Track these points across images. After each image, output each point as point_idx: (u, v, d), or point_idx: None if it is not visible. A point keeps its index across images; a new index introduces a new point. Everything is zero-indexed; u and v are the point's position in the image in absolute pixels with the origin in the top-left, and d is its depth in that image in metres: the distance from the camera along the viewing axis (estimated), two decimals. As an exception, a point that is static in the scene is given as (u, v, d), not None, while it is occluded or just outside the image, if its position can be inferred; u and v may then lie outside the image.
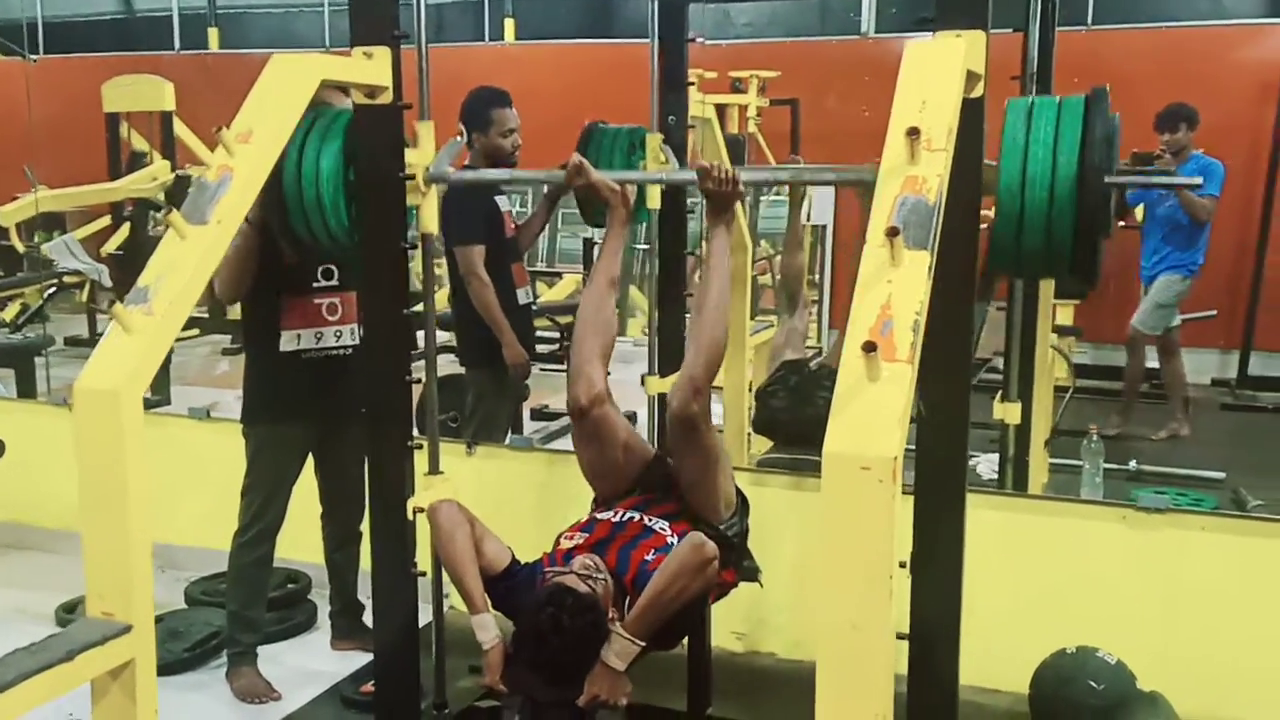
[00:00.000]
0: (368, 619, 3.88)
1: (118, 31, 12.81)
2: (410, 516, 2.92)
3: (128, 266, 8.05)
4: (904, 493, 1.77)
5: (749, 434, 4.96)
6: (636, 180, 3.23)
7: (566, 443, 6.25)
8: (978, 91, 2.30)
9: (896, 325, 1.81)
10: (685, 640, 3.08)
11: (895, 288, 1.85)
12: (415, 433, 2.98)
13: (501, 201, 4.63)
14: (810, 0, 10.21)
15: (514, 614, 2.60)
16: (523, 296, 4.69)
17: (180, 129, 8.44)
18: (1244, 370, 8.04)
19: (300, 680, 3.69)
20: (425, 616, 3.09)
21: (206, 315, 8.49)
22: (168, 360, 5.21)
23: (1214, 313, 7.87)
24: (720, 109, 7.26)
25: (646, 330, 11.10)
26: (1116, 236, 6.51)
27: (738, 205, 2.84)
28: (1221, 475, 5.68)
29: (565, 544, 2.70)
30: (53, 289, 8.04)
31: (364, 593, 3.86)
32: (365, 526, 3.75)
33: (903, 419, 1.73)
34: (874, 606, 1.72)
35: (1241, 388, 7.95)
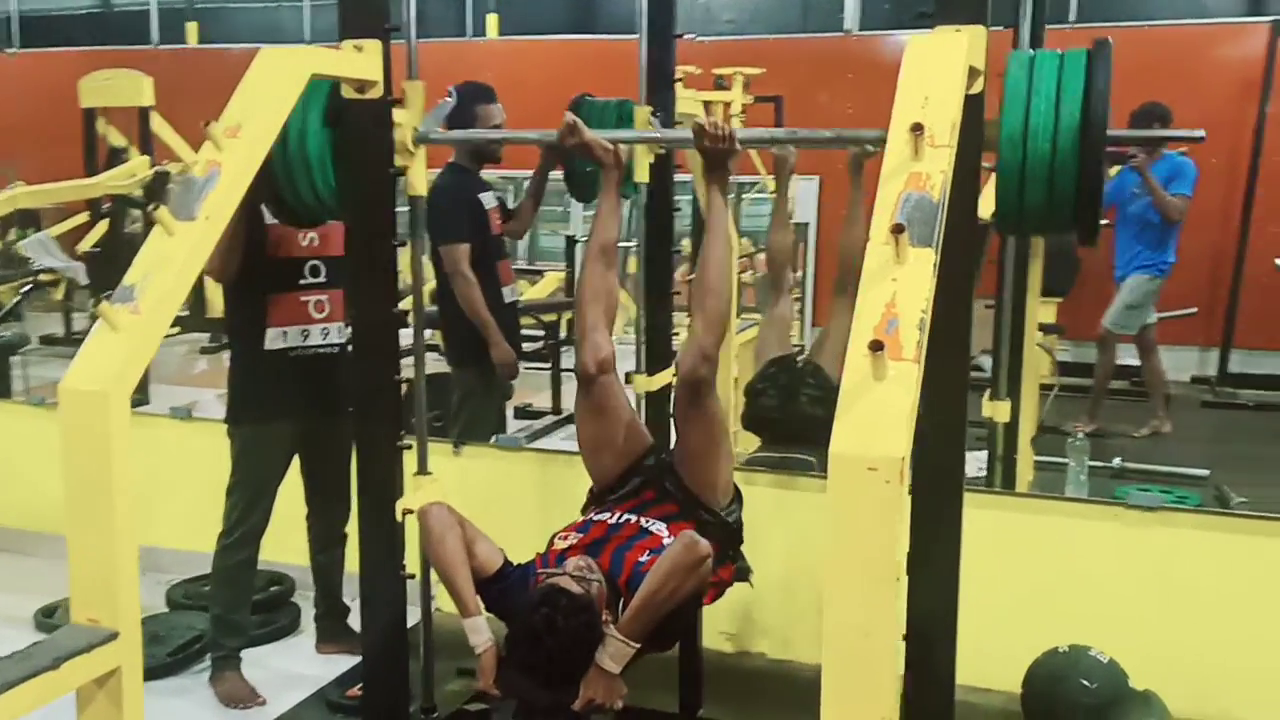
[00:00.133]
0: (353, 621, 3.85)
1: (95, 25, 12.67)
2: (399, 518, 2.89)
3: (105, 264, 7.95)
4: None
5: (735, 432, 4.94)
6: (630, 140, 3.20)
7: (551, 441, 6.30)
8: (977, 87, 2.27)
9: (902, 323, 1.78)
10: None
11: (900, 285, 1.82)
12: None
13: (487, 199, 4.59)
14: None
15: (507, 616, 2.57)
16: (509, 294, 4.65)
17: (159, 125, 8.36)
18: (1224, 368, 8.08)
19: (285, 684, 3.63)
20: (412, 618, 3.05)
21: (187, 313, 8.40)
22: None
23: (1194, 310, 7.90)
24: (705, 106, 7.22)
25: (630, 328, 11.08)
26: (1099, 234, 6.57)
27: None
28: (1205, 473, 5.69)
29: (559, 544, 2.67)
30: (28, 287, 7.93)
31: (349, 595, 3.82)
32: (351, 528, 3.73)
33: (910, 419, 1.71)
34: (880, 610, 1.69)
35: (1222, 385, 7.98)
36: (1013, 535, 3.51)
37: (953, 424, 2.37)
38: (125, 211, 6.94)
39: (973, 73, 2.22)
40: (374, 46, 2.74)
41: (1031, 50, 2.51)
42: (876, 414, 1.71)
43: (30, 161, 8.31)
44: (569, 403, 6.85)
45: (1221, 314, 8.13)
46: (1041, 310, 6.72)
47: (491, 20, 10.26)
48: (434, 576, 2.93)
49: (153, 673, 3.50)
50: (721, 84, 8.20)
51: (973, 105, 2.22)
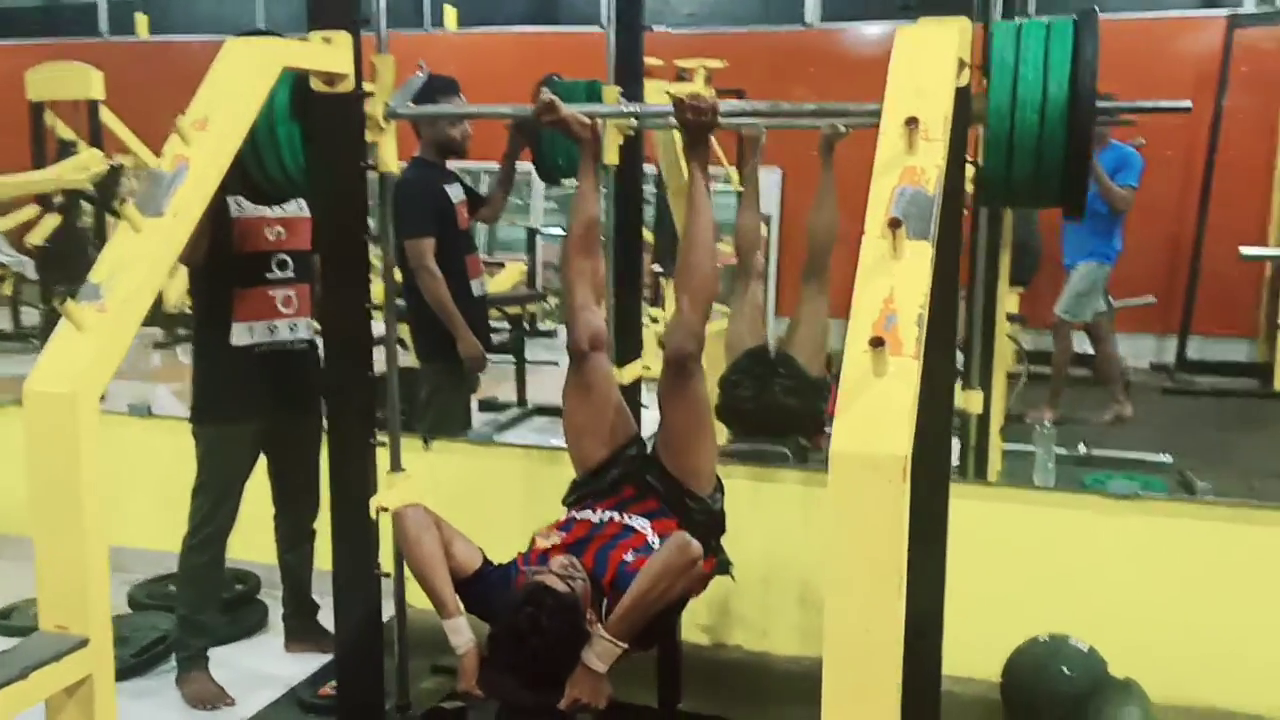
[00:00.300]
0: (322, 619, 3.79)
1: (42, 17, 12.41)
2: (373, 516, 2.83)
3: (55, 259, 7.81)
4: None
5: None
6: (608, 114, 3.17)
7: (518, 434, 6.24)
8: (963, 80, 2.25)
9: (901, 319, 1.75)
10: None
11: (897, 280, 1.80)
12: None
13: (454, 192, 4.53)
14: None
15: (489, 616, 2.52)
16: (478, 288, 4.60)
17: (108, 118, 8.21)
18: (1182, 354, 8.15)
19: (254, 684, 3.56)
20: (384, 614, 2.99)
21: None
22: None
23: (1153, 299, 7.98)
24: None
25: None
26: (1057, 223, 6.60)
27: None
28: (1168, 459, 5.74)
29: (542, 543, 2.62)
30: (-26, 281, 7.78)
31: (318, 592, 3.76)
32: (319, 525, 3.66)
33: (911, 416, 1.68)
34: (883, 609, 1.66)
35: (1180, 372, 8.05)
36: (990, 525, 3.51)
37: (940, 417, 2.35)
38: (77, 205, 6.79)
39: (960, 65, 2.20)
40: (343, 39, 2.68)
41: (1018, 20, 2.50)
42: (878, 411, 1.68)
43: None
44: (534, 395, 6.82)
45: (1179, 302, 8.20)
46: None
47: (450, 12, 10.14)
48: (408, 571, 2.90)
49: (118, 675, 3.41)
50: (683, 76, 8.17)
51: (960, 98, 2.20)
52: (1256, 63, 8.06)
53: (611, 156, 3.44)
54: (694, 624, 3.73)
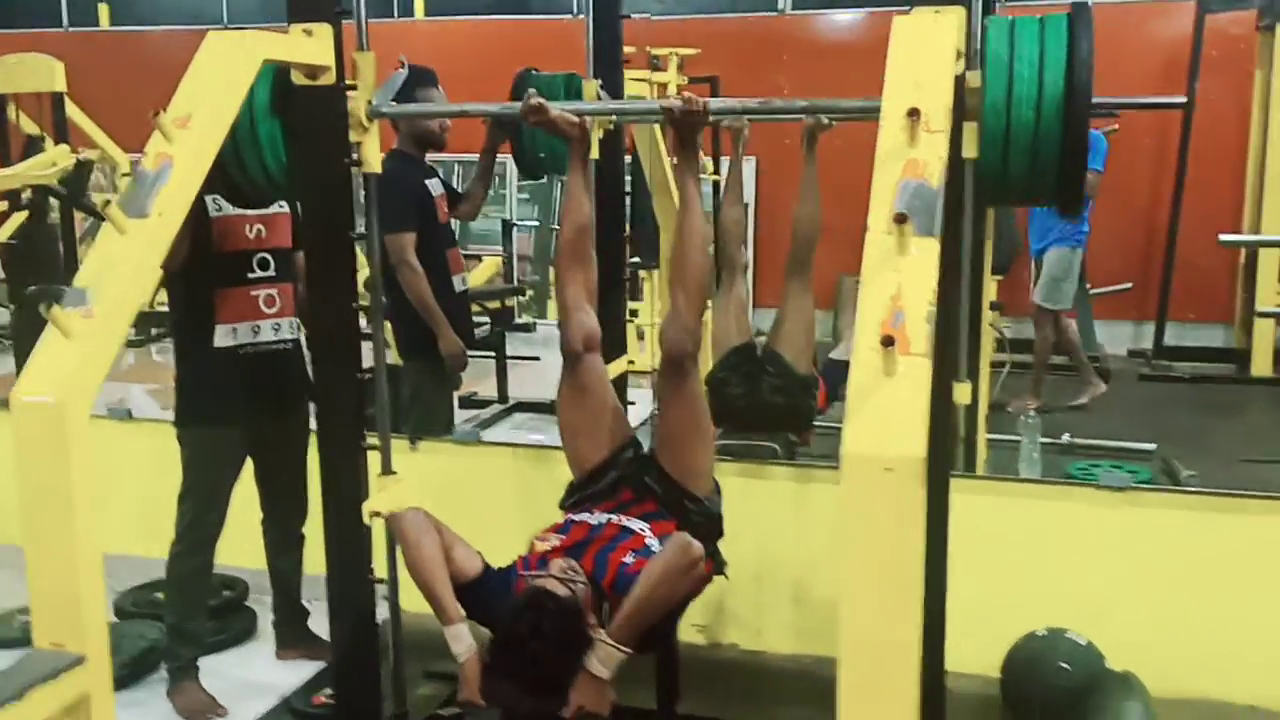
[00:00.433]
0: (313, 625, 3.74)
1: (0, 8, 12.22)
2: (366, 520, 2.79)
3: (23, 257, 7.67)
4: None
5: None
6: (597, 112, 3.13)
7: (499, 430, 6.20)
8: (959, 69, 2.23)
9: (909, 317, 1.73)
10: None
11: (905, 277, 1.77)
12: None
13: (433, 185, 4.47)
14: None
15: (489, 622, 2.48)
16: (459, 284, 4.54)
17: (73, 111, 8.07)
18: (1160, 341, 8.19)
19: (246, 693, 3.50)
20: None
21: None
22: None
23: (1130, 286, 8.03)
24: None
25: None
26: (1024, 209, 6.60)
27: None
28: (1152, 446, 5.75)
29: (540, 547, 2.59)
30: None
31: (309, 597, 3.71)
32: (308, 529, 3.61)
33: (925, 415, 1.65)
34: (900, 613, 1.64)
35: (1158, 358, 8.09)
36: (984, 519, 3.49)
37: (941, 413, 2.32)
38: (45, 202, 6.67)
39: (956, 55, 2.17)
40: (324, 30, 2.62)
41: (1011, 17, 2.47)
42: (890, 412, 1.65)
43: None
44: (515, 391, 6.78)
45: (1156, 288, 8.24)
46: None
47: (419, 0, 10.06)
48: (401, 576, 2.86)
49: (106, 688, 3.38)
50: (656, 64, 8.13)
51: (956, 89, 2.17)
52: (1227, 47, 8.09)
53: (592, 151, 3.41)
54: (688, 624, 3.69)
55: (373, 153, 2.76)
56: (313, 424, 3.24)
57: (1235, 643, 3.30)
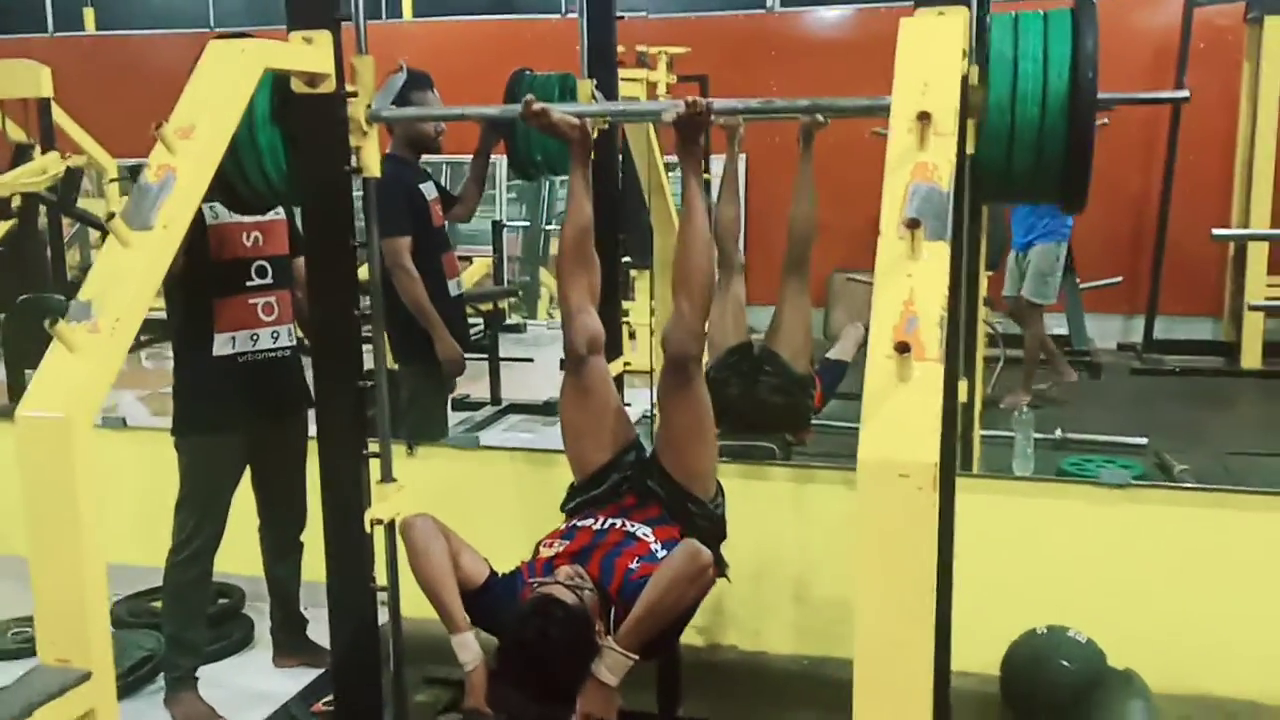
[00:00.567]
0: (311, 632, 3.72)
1: (-17, 14, 12.16)
2: (368, 529, 2.77)
3: (12, 264, 7.63)
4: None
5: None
6: (598, 114, 3.12)
7: (492, 433, 6.18)
8: (963, 69, 2.23)
9: (922, 322, 1.73)
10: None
11: (916, 282, 1.77)
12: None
13: (427, 189, 4.46)
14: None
15: (496, 629, 2.47)
16: (454, 288, 4.53)
17: (60, 116, 8.02)
18: (1149, 334, 8.22)
19: (245, 702, 3.48)
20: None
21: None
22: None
23: (1120, 280, 8.05)
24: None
25: (551, 313, 10.87)
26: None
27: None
28: (1144, 441, 5.76)
29: (545, 552, 2.59)
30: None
31: (307, 603, 3.70)
32: (306, 536, 3.59)
33: (939, 421, 1.65)
34: (916, 620, 1.64)
35: (1148, 352, 8.11)
36: (983, 517, 3.50)
37: (948, 415, 2.32)
38: (37, 209, 6.64)
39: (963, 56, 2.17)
40: (324, 38, 2.61)
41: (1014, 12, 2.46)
42: (905, 418, 1.65)
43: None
44: (508, 393, 6.76)
45: (1145, 282, 8.27)
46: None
47: (407, 1, 10.02)
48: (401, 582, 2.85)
49: (105, 698, 3.36)
50: (644, 62, 8.12)
51: (961, 90, 2.17)
52: (1215, 40, 8.12)
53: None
54: (688, 626, 3.69)
55: (372, 158, 2.75)
56: (311, 431, 3.23)
57: (1235, 639, 3.31)
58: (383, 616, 2.98)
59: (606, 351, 3.28)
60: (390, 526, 2.81)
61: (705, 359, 3.99)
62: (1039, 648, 3.23)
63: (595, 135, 3.33)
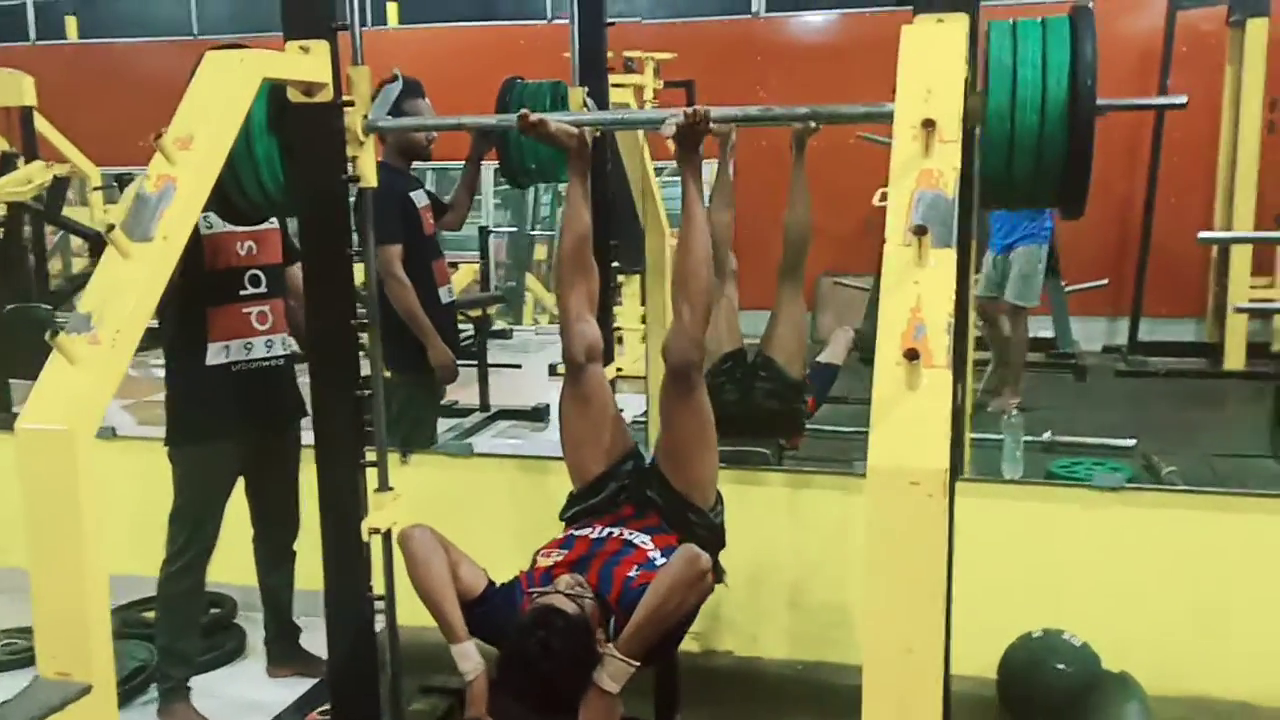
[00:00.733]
0: (304, 641, 3.71)
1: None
2: (365, 538, 2.76)
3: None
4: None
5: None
6: (595, 123, 3.12)
7: (482, 439, 6.17)
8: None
9: (930, 329, 1.73)
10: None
11: (924, 289, 1.77)
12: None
13: (418, 197, 4.45)
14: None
15: (495, 640, 2.46)
16: (445, 295, 4.52)
17: (43, 125, 7.99)
18: (1134, 336, 8.26)
19: (239, 712, 3.48)
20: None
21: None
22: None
23: (1105, 282, 8.10)
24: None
25: (540, 315, 10.87)
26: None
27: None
28: (1132, 443, 5.79)
29: (543, 562, 2.57)
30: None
31: (300, 613, 3.68)
32: (299, 545, 3.58)
33: (947, 428, 1.66)
34: (926, 627, 1.64)
35: (1133, 354, 8.15)
36: (977, 521, 3.50)
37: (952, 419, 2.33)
38: (22, 218, 6.61)
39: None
40: (321, 47, 2.60)
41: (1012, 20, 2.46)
42: (914, 425, 1.66)
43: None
44: (496, 399, 6.75)
45: (1130, 284, 8.32)
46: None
47: (392, 8, 10.00)
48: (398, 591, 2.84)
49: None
50: (631, 67, 8.13)
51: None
52: (1198, 43, 8.18)
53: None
54: (685, 631, 3.69)
55: (369, 167, 2.74)
56: (305, 440, 3.21)
57: (1228, 640, 3.33)
58: (378, 625, 2.98)
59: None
60: (387, 535, 2.80)
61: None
62: (1035, 651, 3.24)
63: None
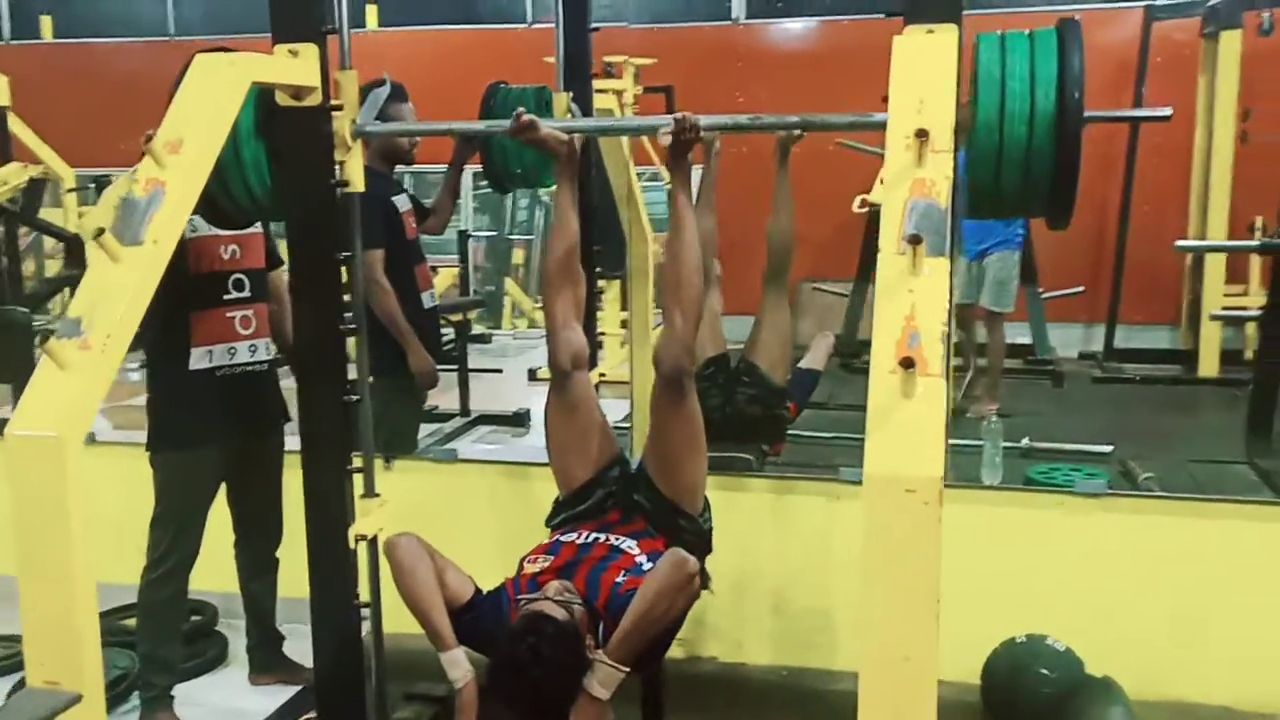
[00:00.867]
0: (287, 649, 3.68)
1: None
2: (352, 545, 2.75)
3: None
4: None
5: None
6: (587, 129, 3.13)
7: (463, 444, 6.14)
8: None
9: (924, 337, 1.74)
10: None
11: (918, 297, 1.79)
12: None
13: (400, 202, 4.43)
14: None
15: (484, 647, 2.46)
16: (428, 300, 4.50)
17: (16, 125, 7.90)
18: (1110, 343, 8.33)
19: (222, 720, 3.45)
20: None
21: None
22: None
23: (1081, 289, 8.17)
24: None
25: (519, 320, 10.80)
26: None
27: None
28: (1109, 449, 5.83)
29: (530, 568, 2.58)
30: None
31: (285, 620, 3.66)
32: (282, 552, 3.56)
33: (942, 435, 1.67)
34: (922, 634, 1.66)
35: (1109, 360, 8.22)
36: (958, 526, 3.52)
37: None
38: (-1, 221, 6.56)
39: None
40: (310, 50, 2.60)
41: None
42: (909, 433, 1.67)
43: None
44: (477, 404, 6.73)
45: (1106, 292, 8.38)
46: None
47: (371, 11, 9.96)
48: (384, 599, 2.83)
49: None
50: (610, 72, 8.13)
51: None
52: (1172, 54, 8.26)
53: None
54: (670, 637, 3.69)
55: (356, 172, 2.74)
56: (288, 445, 3.20)
57: (1209, 645, 3.35)
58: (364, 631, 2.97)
59: (585, 363, 3.29)
60: (373, 542, 2.80)
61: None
62: (1019, 656, 3.26)
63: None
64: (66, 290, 6.99)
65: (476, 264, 9.58)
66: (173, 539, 3.31)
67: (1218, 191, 7.51)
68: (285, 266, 3.34)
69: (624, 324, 6.52)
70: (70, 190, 8.60)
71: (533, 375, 7.56)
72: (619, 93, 8.08)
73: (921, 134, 1.91)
